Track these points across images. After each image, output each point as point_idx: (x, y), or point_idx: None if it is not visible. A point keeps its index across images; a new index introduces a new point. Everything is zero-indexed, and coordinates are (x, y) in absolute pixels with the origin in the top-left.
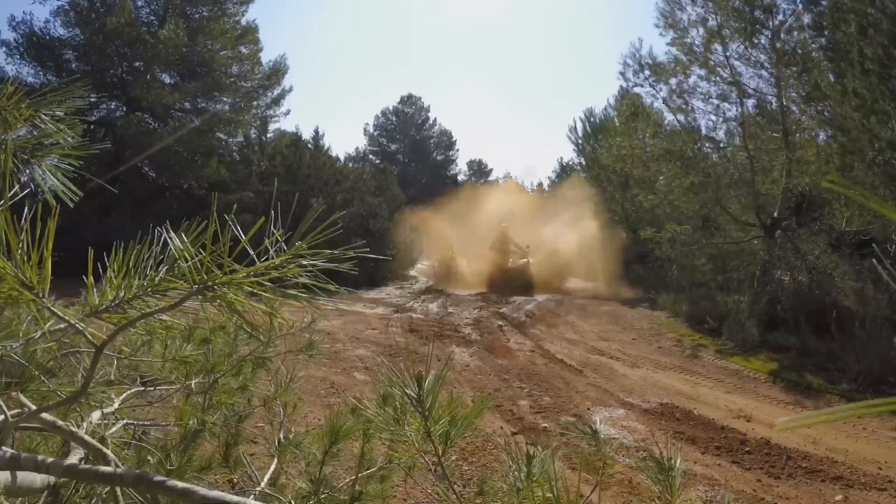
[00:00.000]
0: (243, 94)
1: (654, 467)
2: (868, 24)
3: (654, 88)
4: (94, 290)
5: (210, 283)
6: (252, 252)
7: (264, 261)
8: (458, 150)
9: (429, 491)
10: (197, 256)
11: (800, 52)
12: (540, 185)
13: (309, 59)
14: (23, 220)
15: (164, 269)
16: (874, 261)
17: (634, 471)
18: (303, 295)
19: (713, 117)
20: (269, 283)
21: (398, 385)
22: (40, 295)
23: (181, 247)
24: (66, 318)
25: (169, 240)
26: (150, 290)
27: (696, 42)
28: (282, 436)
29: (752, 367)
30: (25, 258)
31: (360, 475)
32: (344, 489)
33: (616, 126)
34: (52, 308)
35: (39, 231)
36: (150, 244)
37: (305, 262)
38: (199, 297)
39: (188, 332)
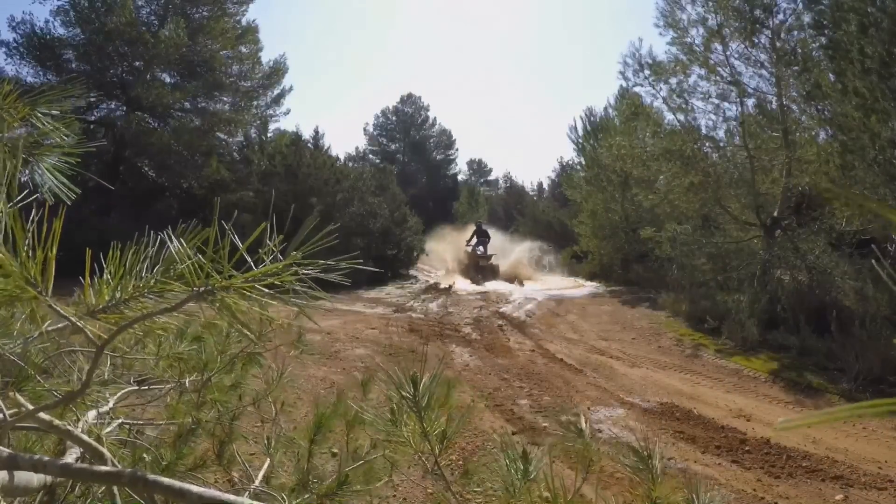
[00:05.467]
0: (243, 93)
1: (634, 459)
2: (869, 23)
3: (654, 88)
4: (91, 290)
5: (211, 288)
6: (249, 260)
7: (262, 267)
8: (457, 150)
9: (429, 490)
10: (194, 258)
11: (800, 51)
12: (539, 184)
13: (309, 59)
14: (29, 221)
15: (161, 271)
16: (873, 261)
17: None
18: (300, 302)
19: (713, 117)
20: (265, 290)
21: (393, 387)
22: (44, 293)
23: (181, 250)
24: (69, 317)
25: (169, 242)
26: (146, 291)
27: (696, 41)
28: (273, 432)
29: (752, 367)
30: (30, 256)
31: (349, 468)
32: (332, 476)
33: (616, 125)
34: (55, 306)
35: (46, 230)
36: (147, 246)
37: (300, 272)
38: (200, 300)
39: (181, 330)
